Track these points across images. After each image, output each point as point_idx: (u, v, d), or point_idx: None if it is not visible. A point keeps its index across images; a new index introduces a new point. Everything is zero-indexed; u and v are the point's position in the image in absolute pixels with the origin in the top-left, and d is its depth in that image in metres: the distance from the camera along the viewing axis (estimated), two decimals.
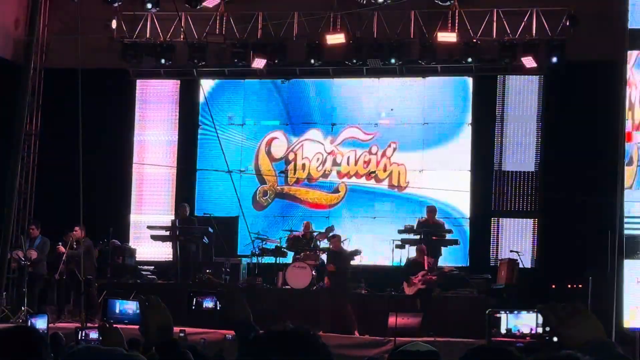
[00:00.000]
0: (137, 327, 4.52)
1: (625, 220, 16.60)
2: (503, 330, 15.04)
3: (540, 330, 14.50)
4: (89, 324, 15.15)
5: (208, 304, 4.92)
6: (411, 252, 19.23)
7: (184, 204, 21.11)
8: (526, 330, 14.95)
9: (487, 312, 15.52)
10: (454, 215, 21.45)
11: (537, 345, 14.45)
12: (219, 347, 13.95)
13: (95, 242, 19.56)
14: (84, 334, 9.09)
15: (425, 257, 18.63)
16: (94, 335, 8.57)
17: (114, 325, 5.88)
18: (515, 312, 15.28)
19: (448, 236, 19.89)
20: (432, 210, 20.00)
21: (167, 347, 4.27)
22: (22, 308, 18.52)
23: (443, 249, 19.86)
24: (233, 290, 4.77)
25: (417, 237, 19.52)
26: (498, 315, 15.29)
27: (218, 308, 4.81)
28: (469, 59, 21.20)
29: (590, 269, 17.67)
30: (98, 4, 21.23)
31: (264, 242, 20.12)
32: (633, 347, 15.79)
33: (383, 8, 21.04)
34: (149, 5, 21.35)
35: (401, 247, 19.31)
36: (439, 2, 20.73)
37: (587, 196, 18.82)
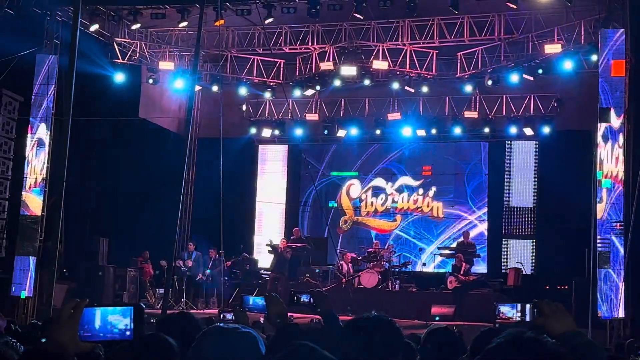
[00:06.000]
0: (262, 314, 4.51)
1: None
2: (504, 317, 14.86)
3: (528, 318, 14.30)
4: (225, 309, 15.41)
5: (305, 299, 4.97)
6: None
7: (297, 227, 21.11)
8: (518, 319, 14.76)
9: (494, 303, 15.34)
10: (481, 237, 21.28)
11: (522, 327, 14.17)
12: (307, 326, 13.97)
13: (231, 255, 19.83)
14: (222, 316, 9.46)
15: (463, 264, 18.50)
16: (229, 316, 8.90)
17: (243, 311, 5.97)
18: (513, 304, 15.09)
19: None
20: (466, 234, 19.99)
21: (285, 328, 4.17)
22: (182, 299, 18.96)
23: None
24: (322, 292, 4.76)
25: (452, 252, 19.42)
26: (501, 307, 15.15)
27: (312, 302, 4.78)
28: (486, 129, 21.19)
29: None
30: (234, 93, 21.71)
31: (344, 255, 20.15)
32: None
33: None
34: (267, 94, 21.78)
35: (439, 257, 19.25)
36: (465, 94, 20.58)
37: None
